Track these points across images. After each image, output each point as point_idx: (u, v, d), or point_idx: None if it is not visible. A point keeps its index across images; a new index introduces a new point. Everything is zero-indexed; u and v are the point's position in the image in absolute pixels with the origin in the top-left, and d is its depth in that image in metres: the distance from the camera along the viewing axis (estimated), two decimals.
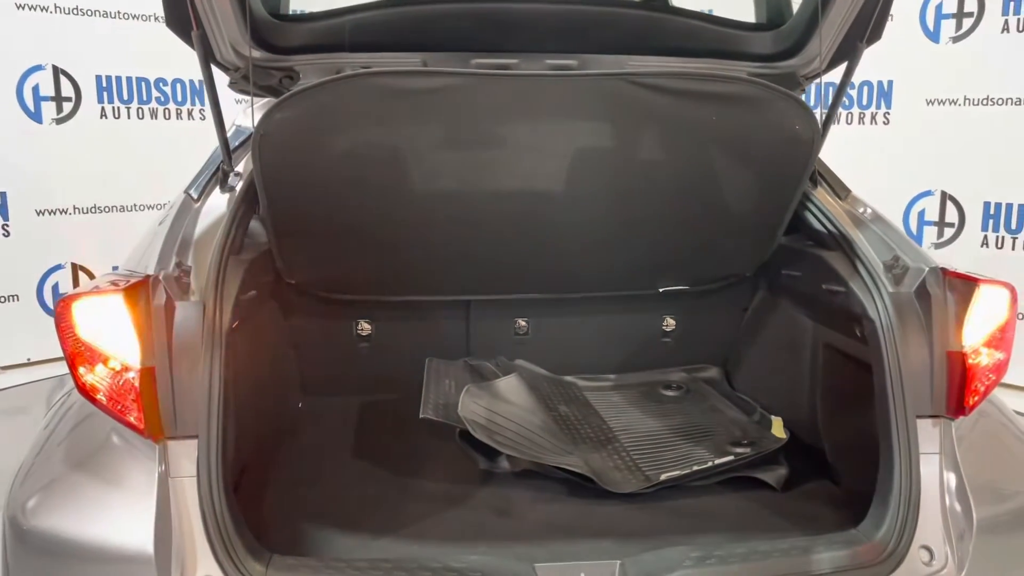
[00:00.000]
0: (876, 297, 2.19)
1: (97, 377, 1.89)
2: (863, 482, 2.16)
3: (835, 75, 2.62)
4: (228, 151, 2.49)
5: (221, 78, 2.52)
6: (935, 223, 5.27)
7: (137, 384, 1.86)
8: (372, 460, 2.56)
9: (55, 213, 5.38)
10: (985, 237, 5.08)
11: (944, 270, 2.16)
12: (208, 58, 2.32)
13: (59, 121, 5.30)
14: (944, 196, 5.21)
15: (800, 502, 2.34)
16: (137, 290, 1.90)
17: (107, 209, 5.59)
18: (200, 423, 1.88)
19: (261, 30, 2.44)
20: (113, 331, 1.88)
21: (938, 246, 5.25)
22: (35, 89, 5.19)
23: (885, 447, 2.07)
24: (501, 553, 2.02)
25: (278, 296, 2.79)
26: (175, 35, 2.32)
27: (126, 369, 1.87)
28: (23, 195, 5.20)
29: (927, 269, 2.16)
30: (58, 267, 5.44)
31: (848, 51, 2.50)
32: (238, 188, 2.49)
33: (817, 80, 2.62)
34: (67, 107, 5.33)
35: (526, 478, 2.43)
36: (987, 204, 5.05)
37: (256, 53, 2.46)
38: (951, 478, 2.03)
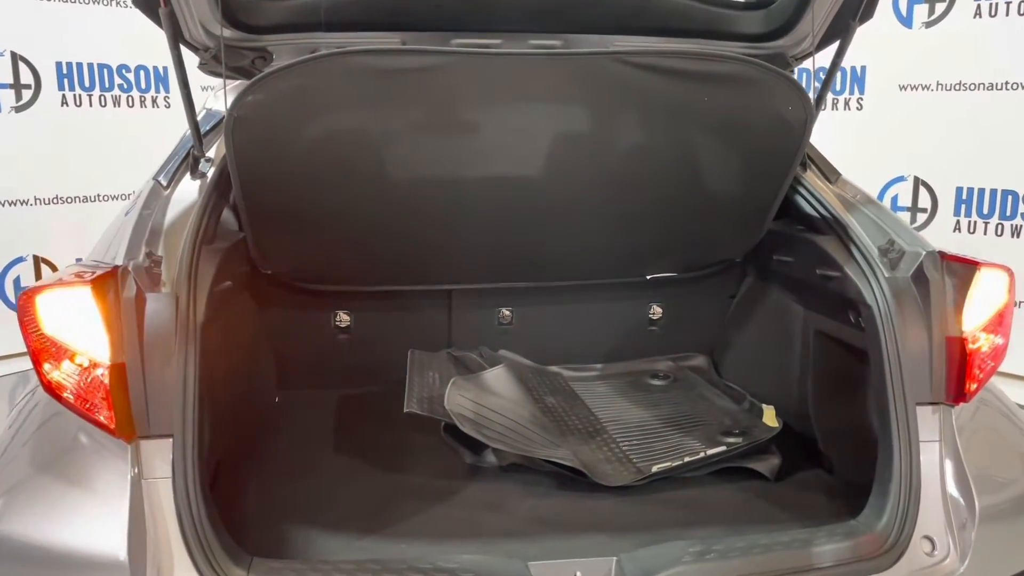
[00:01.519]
0: (873, 282, 2.14)
1: (64, 374, 1.78)
2: (857, 471, 2.12)
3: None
4: (199, 136, 2.38)
5: (191, 59, 2.40)
6: (908, 208, 5.27)
7: (107, 381, 1.76)
8: (354, 455, 2.47)
9: (16, 204, 5.20)
10: (957, 222, 5.08)
11: (942, 253, 2.11)
12: (177, 37, 2.21)
13: (18, 109, 5.12)
14: (917, 181, 5.20)
15: (794, 492, 2.30)
16: (105, 281, 1.79)
17: (69, 200, 5.41)
18: (175, 421, 1.78)
19: (233, 8, 2.33)
20: (80, 325, 1.77)
21: None
22: None
23: (884, 435, 2.02)
24: (493, 551, 1.95)
25: (253, 287, 2.68)
26: (142, 13, 2.20)
27: (95, 365, 1.76)
28: None
29: (924, 253, 2.11)
30: (20, 259, 5.27)
31: (840, 30, 2.44)
32: (210, 174, 2.38)
33: (807, 59, 2.57)
34: (26, 95, 5.15)
35: (514, 472, 2.36)
36: (959, 189, 5.05)
37: (228, 32, 2.35)
38: (952, 466, 1.99)
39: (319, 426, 2.66)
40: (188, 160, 2.42)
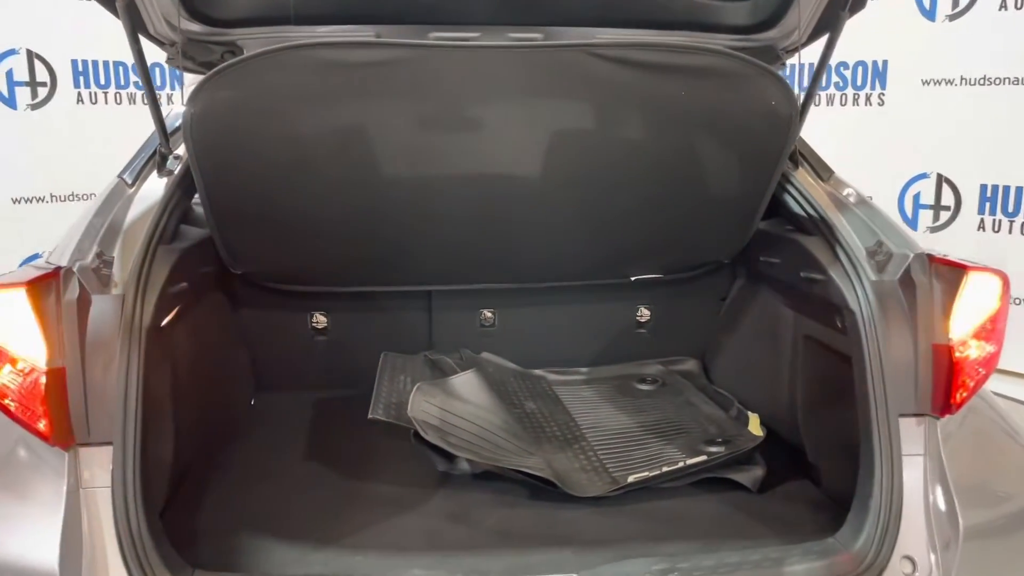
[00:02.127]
0: (857, 286, 2.03)
1: (3, 379, 1.73)
2: (844, 483, 2.02)
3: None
4: (164, 132, 2.33)
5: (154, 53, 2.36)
6: (931, 206, 5.15)
7: (43, 387, 1.70)
8: (323, 461, 2.40)
9: (32, 201, 5.25)
10: (982, 220, 4.95)
11: (930, 256, 1.99)
12: (136, 30, 2.15)
13: (34, 107, 5.16)
14: (940, 179, 5.07)
15: (777, 505, 2.19)
16: (43, 283, 1.74)
17: (85, 197, 5.42)
18: (115, 428, 1.72)
19: (197, 1, 2.27)
20: (17, 329, 1.72)
21: (934, 230, 5.13)
22: (9, 74, 5.05)
23: (865, 448, 1.92)
24: (450, 566, 1.88)
25: (224, 287, 2.63)
26: (99, 4, 2.15)
27: (31, 370, 1.71)
28: None
29: (912, 255, 2.00)
30: (35, 256, 5.27)
31: (830, 21, 2.32)
32: (176, 171, 2.32)
33: (796, 54, 2.45)
34: (42, 92, 5.19)
35: (486, 480, 2.27)
36: (984, 187, 4.91)
37: (193, 26, 2.30)
38: (936, 482, 1.88)
39: (292, 430, 2.60)
40: (155, 158, 2.37)
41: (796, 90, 2.26)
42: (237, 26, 2.36)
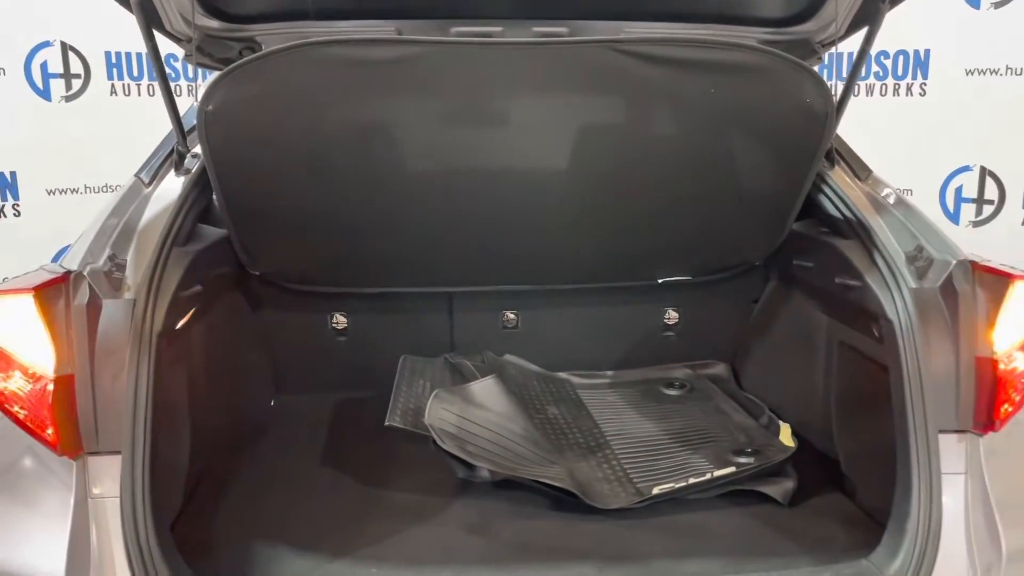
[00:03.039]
0: (895, 293, 1.93)
1: (12, 386, 1.70)
2: (879, 497, 1.94)
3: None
4: (182, 130, 2.29)
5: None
6: (973, 200, 5.02)
7: (51, 394, 1.66)
8: (341, 467, 2.36)
9: (66, 192, 5.24)
10: None
11: (974, 263, 1.89)
12: (150, 26, 2.11)
13: (68, 99, 5.15)
14: (983, 172, 4.95)
15: (809, 520, 2.10)
16: (51, 289, 1.71)
17: (118, 189, 5.46)
18: (124, 437, 1.68)
19: None
20: (24, 335, 1.69)
21: (976, 224, 5.00)
22: (43, 66, 5.05)
23: (902, 466, 1.83)
24: None
25: (243, 287, 2.59)
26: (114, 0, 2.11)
27: (39, 378, 1.68)
28: (33, 174, 5.07)
29: (954, 262, 1.90)
30: (68, 248, 5.34)
31: (869, 13, 2.22)
32: (194, 170, 2.28)
33: (834, 47, 2.35)
34: (76, 84, 5.18)
35: (507, 489, 2.21)
36: None
37: (209, 22, 2.26)
38: (978, 502, 1.80)
39: (310, 434, 2.56)
40: (172, 156, 2.33)
41: (833, 83, 2.16)
42: (255, 22, 2.32)
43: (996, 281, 1.85)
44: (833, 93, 2.15)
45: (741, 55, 2.04)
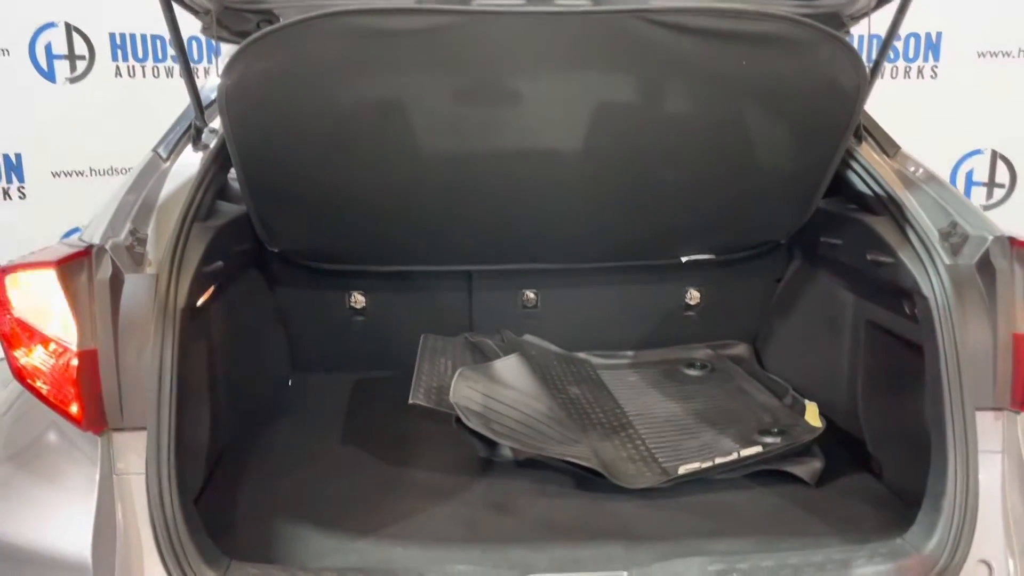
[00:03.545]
0: (930, 270, 1.90)
1: (35, 361, 1.67)
2: (909, 477, 1.92)
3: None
4: (200, 104, 2.25)
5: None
6: (984, 184, 5.02)
7: (74, 369, 1.63)
8: (362, 445, 2.33)
9: (71, 175, 5.22)
10: None
11: (1012, 239, 1.86)
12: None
13: (73, 80, 5.11)
14: (995, 155, 4.95)
15: (836, 500, 2.08)
16: (74, 262, 1.68)
17: (124, 171, 5.39)
18: (149, 412, 1.66)
19: None
20: (48, 309, 1.66)
21: (987, 208, 4.98)
22: (48, 47, 5.01)
23: (938, 444, 1.80)
24: (493, 559, 1.80)
25: (261, 265, 2.56)
26: None
27: (63, 352, 1.65)
28: (38, 156, 5.05)
29: (991, 238, 1.86)
30: (75, 230, 5.28)
31: None
32: (212, 146, 2.24)
33: (864, 19, 2.30)
34: (81, 66, 5.14)
35: (530, 468, 2.19)
36: None
37: None
38: (1016, 481, 1.77)
39: (329, 413, 2.53)
40: (190, 131, 2.29)
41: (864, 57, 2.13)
42: None
43: None
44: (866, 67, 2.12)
45: (775, 25, 2.00)
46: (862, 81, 2.10)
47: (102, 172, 5.28)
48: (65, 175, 5.17)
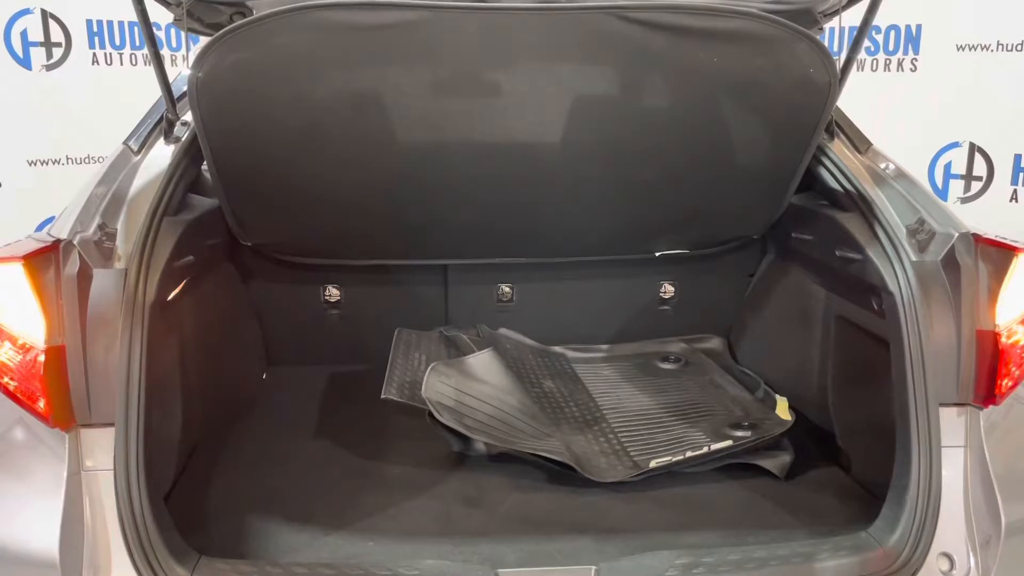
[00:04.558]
0: (897, 266, 1.92)
1: (2, 357, 1.66)
2: (876, 470, 1.94)
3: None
4: (171, 96, 2.24)
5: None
6: (962, 176, 5.03)
7: (42, 365, 1.63)
8: (336, 439, 2.34)
9: (48, 164, 5.16)
10: (1015, 192, 4.84)
11: (976, 236, 1.88)
12: None
13: (49, 68, 5.05)
14: (973, 148, 4.94)
15: (805, 493, 2.11)
16: (41, 257, 1.67)
17: (101, 159, 5.32)
18: (117, 408, 1.65)
19: None
20: (14, 305, 1.65)
21: (965, 200, 5.02)
22: (23, 34, 4.94)
23: (902, 439, 1.82)
24: (465, 553, 1.81)
25: (234, 259, 2.55)
26: None
27: (30, 348, 1.64)
28: (14, 145, 4.99)
29: (956, 235, 1.89)
30: (51, 219, 5.23)
31: None
32: (184, 139, 2.23)
33: (836, 17, 2.31)
34: (57, 53, 5.08)
35: (503, 462, 2.20)
36: (1018, 157, 4.79)
37: None
38: (977, 476, 1.79)
39: (303, 407, 2.53)
40: (162, 124, 2.28)
41: (837, 54, 2.13)
42: None
43: (999, 254, 1.84)
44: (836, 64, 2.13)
45: (745, 23, 2.00)
46: (832, 78, 2.12)
47: (78, 161, 5.22)
48: (41, 163, 5.11)
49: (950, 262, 1.88)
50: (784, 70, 2.11)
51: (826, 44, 2.13)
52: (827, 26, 2.48)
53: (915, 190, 2.12)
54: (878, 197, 2.13)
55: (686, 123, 2.28)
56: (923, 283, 1.87)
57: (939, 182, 5.07)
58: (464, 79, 2.16)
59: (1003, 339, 1.81)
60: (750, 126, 2.30)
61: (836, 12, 2.31)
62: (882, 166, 2.30)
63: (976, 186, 4.97)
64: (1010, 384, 1.83)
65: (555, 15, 2.02)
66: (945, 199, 5.03)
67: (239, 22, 1.97)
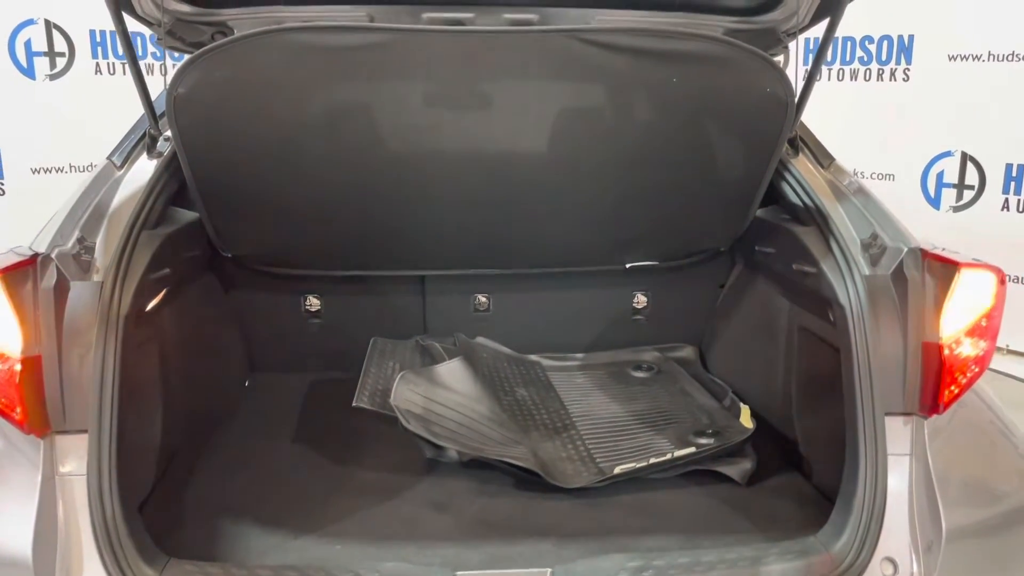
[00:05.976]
0: (848, 280, 1.98)
1: None
2: (836, 478, 1.98)
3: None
4: (153, 113, 2.31)
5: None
6: (954, 185, 5.04)
7: (17, 375, 1.70)
8: (312, 445, 2.40)
9: (51, 171, 5.23)
10: (1006, 200, 4.84)
11: (924, 251, 1.93)
12: (119, 8, 2.13)
13: (53, 77, 5.14)
14: (965, 157, 4.96)
15: (764, 499, 2.16)
16: (19, 271, 1.74)
17: (90, 171, 5.46)
18: (90, 416, 1.72)
19: None
20: None
21: (957, 209, 5.03)
22: (27, 44, 5.02)
23: (851, 447, 1.88)
24: (428, 556, 1.87)
25: (216, 270, 2.62)
26: None
27: (7, 359, 1.72)
28: (18, 153, 5.07)
29: (906, 250, 1.94)
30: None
31: (831, 5, 2.24)
32: (166, 154, 2.31)
33: (798, 36, 2.37)
34: (60, 62, 5.16)
35: (473, 469, 2.26)
36: (1009, 166, 4.80)
37: (180, 6, 2.27)
38: (921, 483, 1.84)
39: (282, 413, 2.60)
40: (145, 139, 2.35)
41: (801, 69, 2.18)
42: (226, 6, 2.32)
43: (944, 269, 1.89)
44: (800, 81, 2.19)
45: (702, 45, 2.07)
46: (790, 97, 2.17)
47: (82, 168, 5.27)
48: (44, 171, 5.18)
49: (899, 276, 1.93)
50: (743, 90, 2.16)
51: (797, 59, 2.18)
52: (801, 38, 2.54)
53: (872, 205, 2.17)
54: (836, 212, 2.18)
55: (651, 140, 2.34)
56: (872, 296, 1.92)
57: (932, 191, 5.09)
58: (436, 98, 2.23)
59: (947, 351, 1.86)
60: (713, 143, 2.36)
61: (798, 32, 2.37)
62: (844, 181, 2.34)
63: (968, 195, 4.98)
64: (955, 392, 1.88)
65: (520, 37, 2.10)
66: (938, 208, 5.06)
67: (217, 42, 2.03)
